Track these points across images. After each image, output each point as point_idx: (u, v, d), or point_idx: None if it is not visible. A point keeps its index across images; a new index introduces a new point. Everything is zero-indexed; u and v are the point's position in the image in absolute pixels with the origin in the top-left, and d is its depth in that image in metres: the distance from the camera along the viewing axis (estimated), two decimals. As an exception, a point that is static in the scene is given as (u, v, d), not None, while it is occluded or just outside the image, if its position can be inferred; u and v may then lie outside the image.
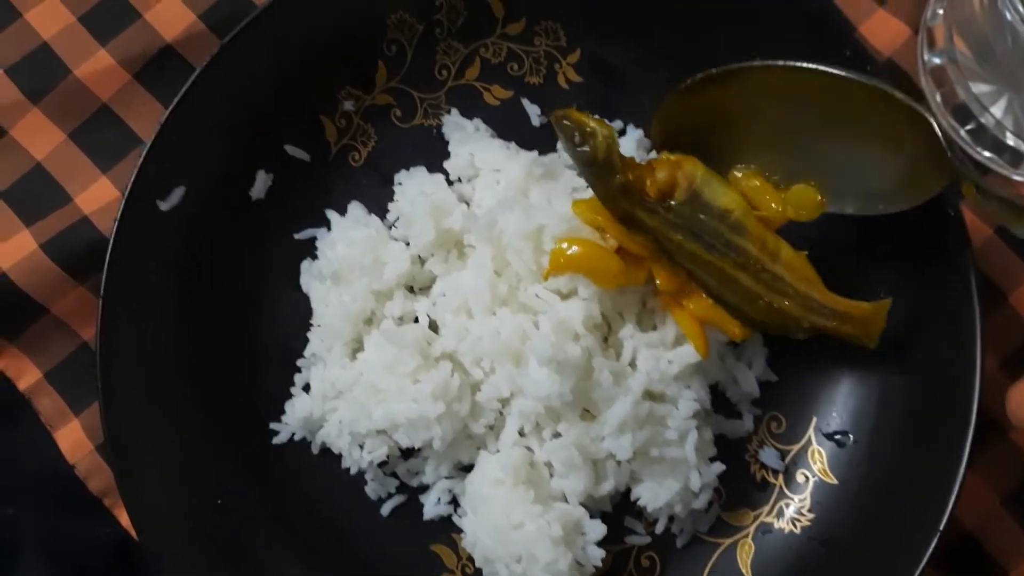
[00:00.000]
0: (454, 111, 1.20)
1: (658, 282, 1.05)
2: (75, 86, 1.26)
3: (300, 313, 1.17)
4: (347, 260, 1.13)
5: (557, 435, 1.09)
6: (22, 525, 1.19)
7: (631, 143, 1.15)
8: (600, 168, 0.98)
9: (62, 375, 1.22)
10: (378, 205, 1.19)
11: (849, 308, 1.07)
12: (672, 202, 1.01)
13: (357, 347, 1.15)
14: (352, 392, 1.11)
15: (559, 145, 1.19)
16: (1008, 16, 1.04)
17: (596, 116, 1.03)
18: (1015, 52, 1.10)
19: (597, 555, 1.07)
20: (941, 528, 1.02)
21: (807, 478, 1.13)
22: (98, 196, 1.24)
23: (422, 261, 1.16)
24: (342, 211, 1.18)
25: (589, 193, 1.10)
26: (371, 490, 1.15)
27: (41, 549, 1.18)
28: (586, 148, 0.97)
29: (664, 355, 1.08)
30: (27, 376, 1.22)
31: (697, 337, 1.06)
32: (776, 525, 1.13)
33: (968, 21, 1.18)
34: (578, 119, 0.99)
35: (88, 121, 1.26)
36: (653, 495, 1.09)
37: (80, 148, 1.26)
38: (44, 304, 1.21)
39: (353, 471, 1.15)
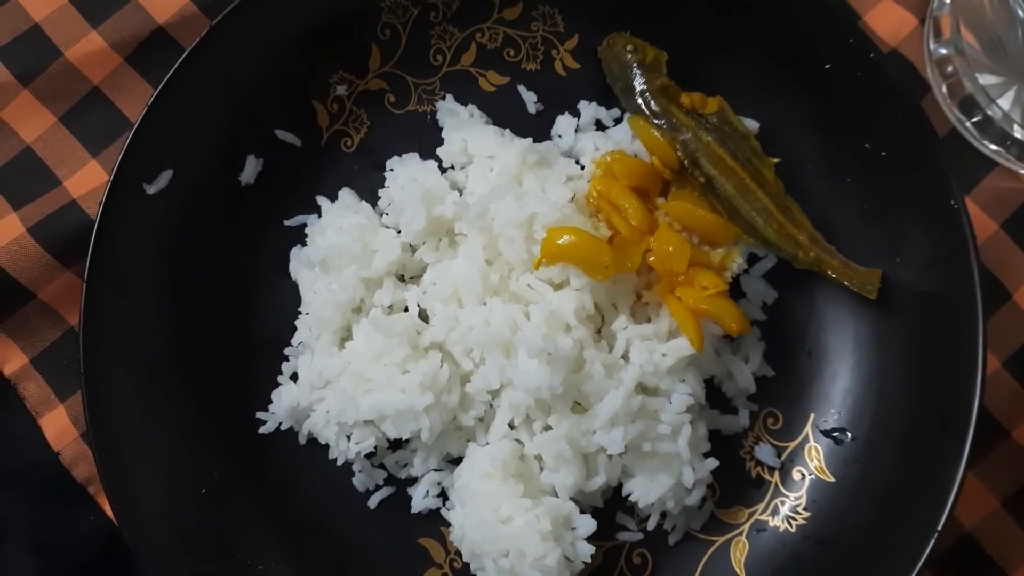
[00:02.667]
0: (449, 97, 1.18)
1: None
2: (66, 68, 1.24)
3: (289, 301, 1.16)
4: (337, 247, 1.11)
5: (548, 428, 1.07)
6: (5, 512, 1.17)
7: (627, 131, 1.13)
8: (648, 69, 1.12)
9: (48, 361, 1.20)
10: (370, 192, 1.17)
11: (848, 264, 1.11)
12: (703, 112, 1.12)
13: (346, 336, 1.13)
14: (340, 382, 1.10)
15: (554, 132, 1.17)
16: (1020, 13, 1.02)
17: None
18: (1027, 47, 1.08)
19: (586, 551, 1.05)
20: (939, 528, 1.00)
21: (803, 475, 1.11)
22: (87, 180, 1.23)
23: (413, 249, 1.14)
24: (333, 197, 1.17)
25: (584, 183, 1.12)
26: (358, 482, 1.13)
27: (24, 537, 1.17)
28: (638, 53, 1.12)
29: (658, 348, 1.06)
30: (13, 361, 1.20)
31: (692, 329, 1.04)
32: (771, 523, 1.11)
33: (976, 12, 1.16)
34: (632, 38, 1.14)
35: (79, 104, 1.25)
36: (645, 491, 1.07)
37: (70, 131, 1.24)
38: (31, 288, 1.19)
39: (340, 462, 1.13)
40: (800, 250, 1.10)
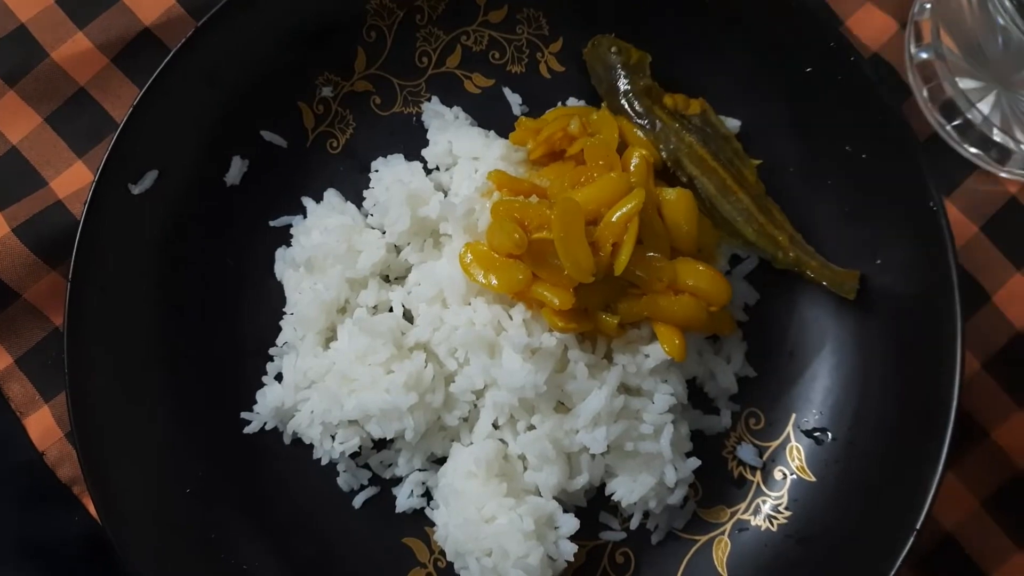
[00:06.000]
0: (434, 99, 1.19)
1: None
2: (52, 69, 1.25)
3: (274, 301, 1.16)
4: (322, 248, 1.11)
5: (531, 428, 1.07)
6: (-11, 512, 1.17)
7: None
8: (632, 70, 1.13)
9: (33, 361, 1.20)
10: (355, 193, 1.18)
11: (827, 264, 1.12)
12: (686, 114, 1.13)
13: (330, 336, 1.14)
14: (324, 382, 1.10)
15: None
16: (1000, 21, 1.02)
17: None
18: (1006, 54, 1.09)
19: (569, 550, 1.06)
20: (918, 527, 1.00)
21: (785, 475, 1.12)
22: (73, 180, 1.23)
23: (398, 250, 1.15)
24: (318, 198, 1.17)
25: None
26: (343, 482, 1.13)
27: (9, 537, 1.17)
28: (623, 55, 1.13)
29: (641, 349, 1.06)
30: (-2, 362, 1.20)
31: (670, 342, 1.04)
32: (753, 522, 1.11)
33: (956, 16, 1.17)
34: (616, 40, 1.15)
35: (65, 105, 1.25)
36: (628, 490, 1.08)
37: (56, 132, 1.25)
38: (16, 289, 1.19)
39: (325, 462, 1.13)
40: (780, 250, 1.11)
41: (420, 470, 1.12)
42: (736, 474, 1.13)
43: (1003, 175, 1.21)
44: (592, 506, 1.12)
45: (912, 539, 1.00)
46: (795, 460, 1.12)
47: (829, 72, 1.09)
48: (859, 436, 1.09)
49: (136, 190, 1.10)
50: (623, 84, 1.12)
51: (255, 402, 1.14)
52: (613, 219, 1.01)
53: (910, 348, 1.08)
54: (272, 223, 1.17)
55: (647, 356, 1.06)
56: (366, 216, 1.16)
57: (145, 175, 1.11)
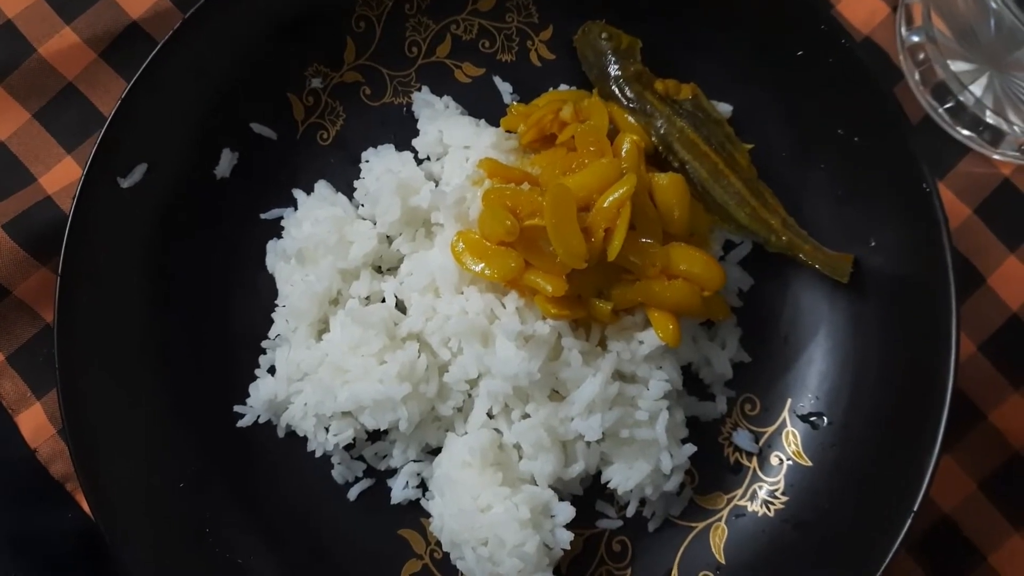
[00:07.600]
0: (424, 88, 1.18)
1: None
2: (40, 65, 1.24)
3: (266, 294, 1.15)
4: (313, 239, 1.11)
5: (526, 416, 1.07)
6: (-18, 511, 1.17)
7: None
8: (622, 56, 1.12)
9: (24, 358, 1.20)
10: (346, 184, 1.17)
11: (820, 248, 1.11)
12: (677, 99, 1.13)
13: (323, 328, 1.13)
14: (317, 373, 1.09)
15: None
16: (993, 4, 1.02)
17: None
18: (999, 36, 1.09)
19: (565, 538, 1.05)
20: (915, 509, 1.00)
21: (781, 460, 1.12)
22: (62, 176, 1.22)
23: (389, 240, 1.14)
24: (309, 190, 1.16)
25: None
26: (338, 474, 1.13)
27: (2, 535, 1.16)
28: (613, 41, 1.13)
29: (635, 335, 1.06)
30: (-12, 359, 1.20)
31: (665, 329, 1.04)
32: (749, 508, 1.11)
33: (947, 1, 1.16)
34: (607, 26, 1.15)
35: (53, 100, 1.24)
36: (623, 477, 1.07)
37: (44, 127, 1.24)
38: (6, 286, 1.19)
39: (319, 454, 1.13)
40: (773, 234, 1.10)
41: (415, 461, 1.12)
42: (732, 460, 1.13)
43: (996, 157, 1.21)
44: (588, 494, 1.12)
45: (909, 522, 1.00)
46: (791, 445, 1.12)
47: (821, 56, 1.09)
48: (855, 420, 1.09)
49: (125, 184, 1.10)
50: (614, 70, 1.12)
51: (248, 395, 1.13)
52: (605, 205, 1.01)
53: (905, 331, 1.07)
54: (263, 215, 1.16)
55: (641, 342, 1.06)
56: (357, 207, 1.15)
57: (134, 169, 1.10)
